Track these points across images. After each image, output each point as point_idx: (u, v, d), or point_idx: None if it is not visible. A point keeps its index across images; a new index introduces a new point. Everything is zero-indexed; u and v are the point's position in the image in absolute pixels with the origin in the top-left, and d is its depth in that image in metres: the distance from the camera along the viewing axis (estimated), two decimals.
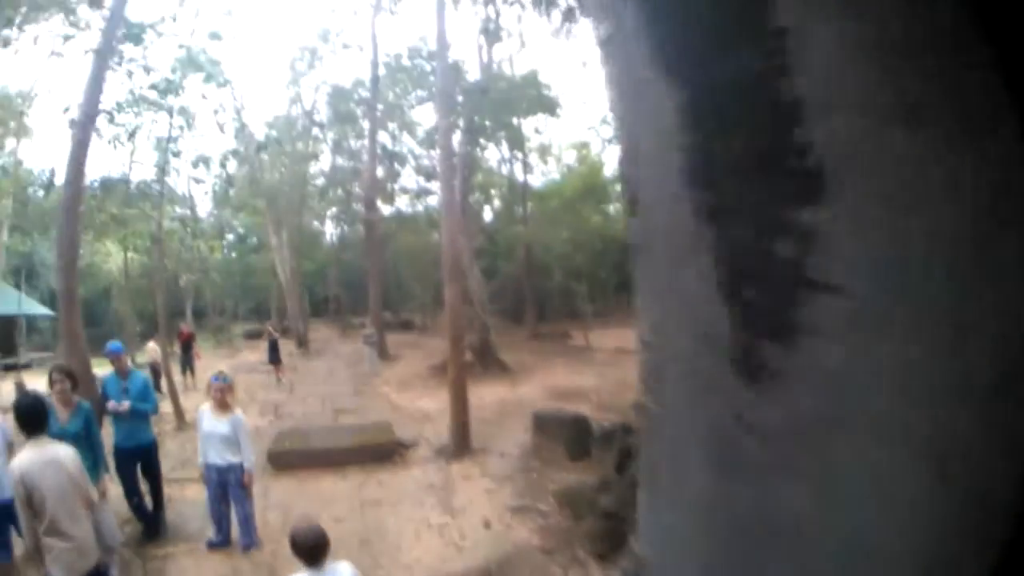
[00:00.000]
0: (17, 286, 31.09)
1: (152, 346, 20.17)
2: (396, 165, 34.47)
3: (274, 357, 21.22)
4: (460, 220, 21.90)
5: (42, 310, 31.52)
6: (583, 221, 30.22)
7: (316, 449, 11.67)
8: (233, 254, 45.91)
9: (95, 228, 25.39)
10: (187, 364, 20.86)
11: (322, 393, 18.47)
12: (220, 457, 7.63)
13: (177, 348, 21.72)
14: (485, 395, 16.57)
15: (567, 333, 28.93)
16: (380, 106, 29.05)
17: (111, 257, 35.70)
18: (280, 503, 9.67)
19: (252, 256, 42.70)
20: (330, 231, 44.20)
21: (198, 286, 36.85)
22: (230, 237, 45.09)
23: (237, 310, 42.40)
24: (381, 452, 11.49)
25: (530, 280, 31.20)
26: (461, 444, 11.55)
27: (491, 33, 22.21)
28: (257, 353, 25.38)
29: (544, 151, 36.88)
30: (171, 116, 16.64)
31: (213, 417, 7.64)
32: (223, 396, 7.75)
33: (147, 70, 15.88)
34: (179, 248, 38.25)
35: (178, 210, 36.38)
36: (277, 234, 32.00)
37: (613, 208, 36.90)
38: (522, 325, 31.34)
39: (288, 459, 11.49)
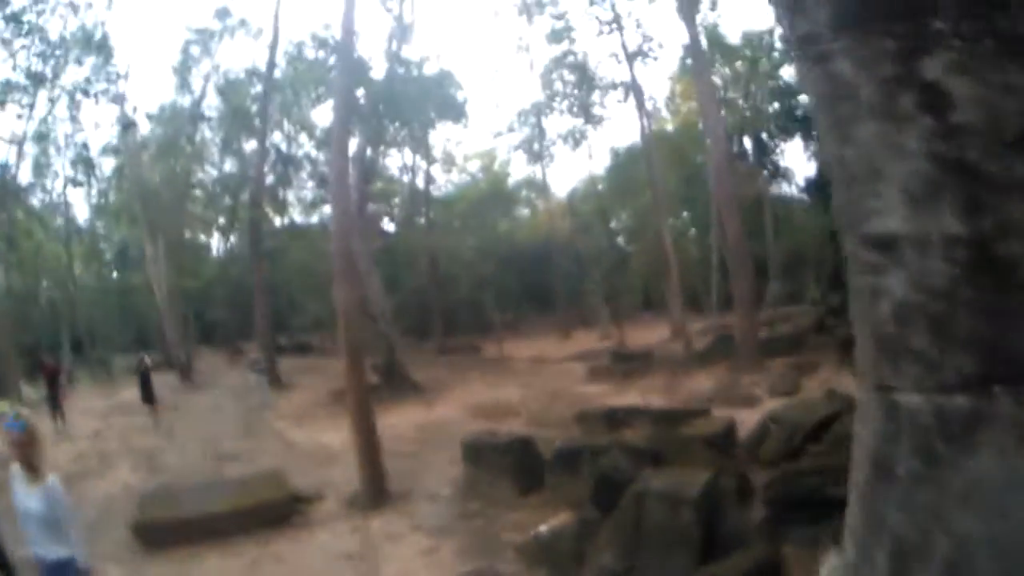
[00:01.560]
0: None
1: None
2: (290, 170, 31.10)
3: (147, 394, 17.57)
4: (355, 223, 19.23)
5: None
6: (490, 226, 28.11)
7: (192, 517, 8.71)
8: (115, 274, 40.41)
9: None
10: (54, 403, 16.74)
11: (205, 435, 15.23)
12: (43, 547, 4.66)
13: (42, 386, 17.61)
14: (397, 422, 13.97)
15: (477, 346, 26.54)
16: (277, 100, 25.63)
17: None
18: None
19: (133, 274, 37.21)
20: (217, 245, 39.38)
21: (72, 311, 31.69)
22: (107, 254, 39.53)
23: (119, 339, 36.84)
24: (275, 512, 8.72)
25: (435, 292, 28.53)
26: (377, 489, 8.98)
27: (403, 27, 19.75)
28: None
29: (448, 160, 34.40)
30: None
31: (24, 485, 4.68)
32: (23, 452, 4.76)
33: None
34: (54, 265, 33.35)
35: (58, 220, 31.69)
36: (153, 243, 27.37)
37: (520, 211, 35.20)
38: (428, 340, 28.68)
39: (157, 532, 8.53)
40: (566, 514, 7.19)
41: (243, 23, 29.41)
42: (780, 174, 32.72)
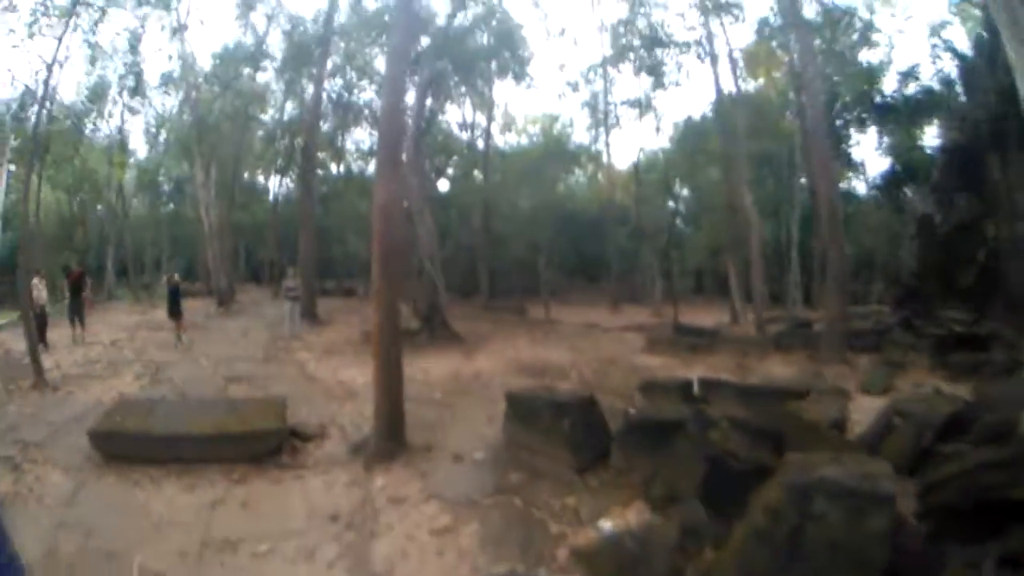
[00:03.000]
0: None
1: (37, 283, 14.34)
2: (349, 117, 29.08)
3: (175, 309, 15.77)
4: (414, 160, 17.10)
5: None
6: (547, 188, 25.60)
7: (161, 433, 6.70)
8: (170, 206, 39.27)
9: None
10: (75, 312, 15.10)
11: (223, 355, 13.33)
12: None
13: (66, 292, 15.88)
14: (432, 367, 11.82)
15: (522, 308, 24.16)
16: (340, 47, 23.48)
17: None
18: (82, 523, 5.16)
19: (187, 207, 35.98)
20: (274, 186, 37.64)
21: (120, 237, 30.40)
22: (165, 186, 38.33)
23: (167, 266, 35.61)
24: (263, 444, 6.60)
25: (486, 249, 26.18)
26: (392, 437, 6.71)
27: None
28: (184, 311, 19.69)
29: (509, 121, 31.90)
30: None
31: None
32: None
33: None
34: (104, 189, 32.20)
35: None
36: (205, 174, 25.71)
37: (578, 179, 32.46)
38: (473, 299, 26.44)
39: (119, 445, 6.71)
40: (640, 507, 4.88)
41: None
42: (852, 167, 29.12)
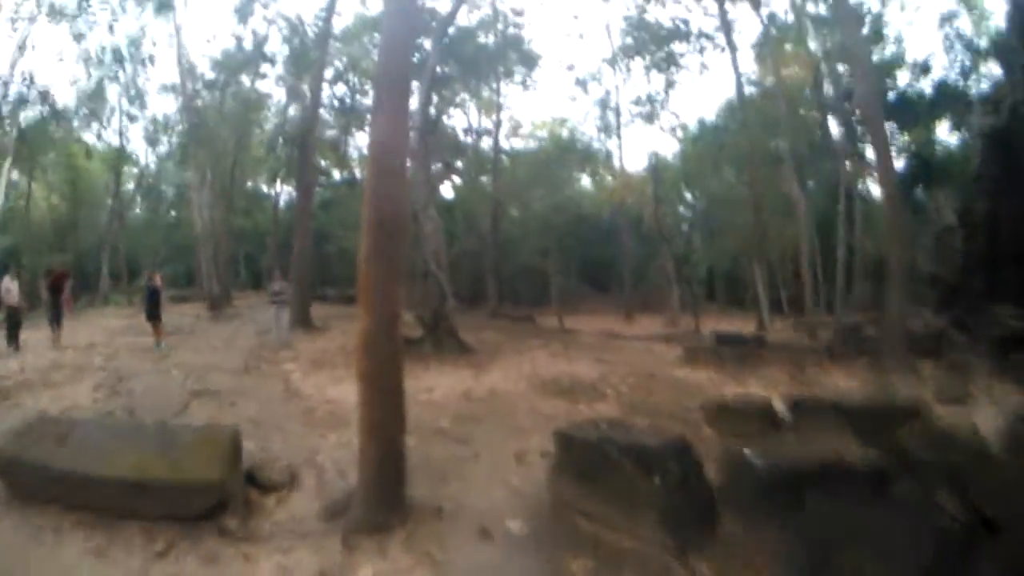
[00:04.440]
0: None
1: (7, 285, 12.78)
2: (351, 122, 27.08)
3: (152, 312, 13.50)
4: (421, 156, 14.98)
5: None
6: (555, 191, 23.44)
7: (65, 470, 4.55)
8: (172, 212, 37.22)
9: None
10: (55, 312, 13.27)
11: (198, 364, 11.03)
12: None
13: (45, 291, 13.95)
14: (437, 384, 9.63)
15: (531, 317, 21.86)
16: (343, 51, 21.54)
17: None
18: None
19: (187, 213, 34.18)
20: (276, 192, 35.63)
21: (116, 241, 28.34)
22: (168, 193, 36.39)
23: (165, 271, 33.45)
24: (197, 500, 4.39)
25: (493, 255, 23.85)
26: (386, 498, 4.38)
27: None
28: (172, 316, 17.47)
29: (516, 125, 29.66)
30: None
31: None
32: None
33: None
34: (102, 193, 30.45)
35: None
36: (200, 178, 23.78)
37: (587, 182, 30.11)
38: (479, 307, 24.12)
39: (22, 478, 4.81)
40: None
41: None
42: (866, 165, 26.73)
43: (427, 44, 15.88)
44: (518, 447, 6.24)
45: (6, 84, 9.93)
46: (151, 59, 18.97)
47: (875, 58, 22.37)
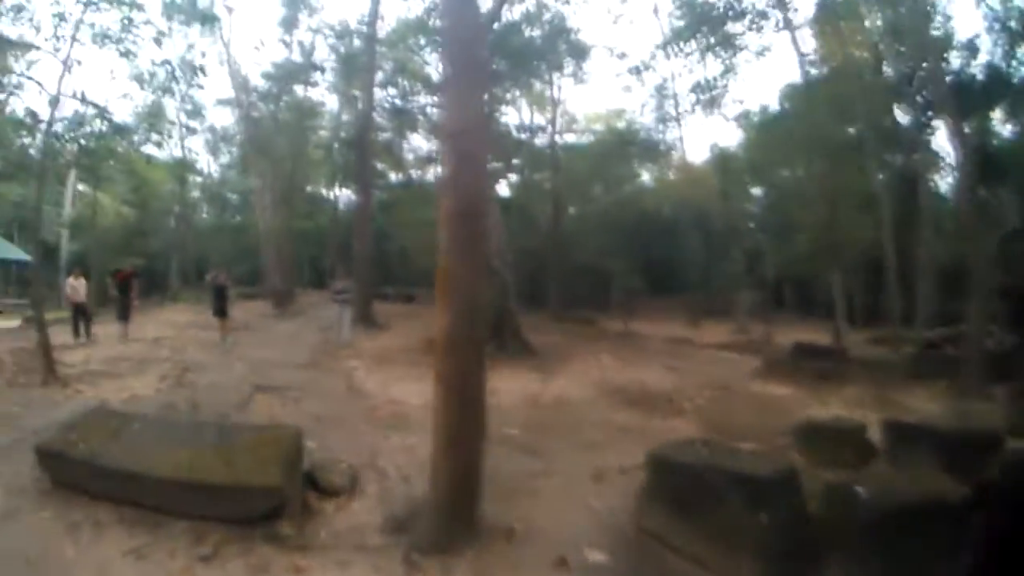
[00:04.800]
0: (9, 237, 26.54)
1: (72, 283, 13.46)
2: (404, 124, 27.12)
3: (219, 308, 13.63)
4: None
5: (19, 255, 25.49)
6: (614, 187, 22.69)
7: (113, 466, 4.33)
8: (237, 217, 38.35)
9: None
10: (123, 309, 13.70)
11: (263, 359, 10.94)
12: None
13: (113, 290, 14.43)
14: (503, 388, 9.03)
15: (591, 320, 21.16)
16: (389, 54, 21.47)
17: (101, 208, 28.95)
18: None
19: (251, 217, 35.38)
20: (334, 196, 36.27)
21: (184, 245, 29.39)
22: (233, 199, 37.60)
23: (233, 272, 34.50)
24: (252, 503, 3.99)
25: (555, 255, 23.18)
26: (457, 514, 3.89)
27: None
28: (238, 312, 17.70)
29: (570, 120, 28.91)
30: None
31: None
32: None
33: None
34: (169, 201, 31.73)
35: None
36: (261, 183, 24.31)
37: (647, 177, 28.74)
38: (538, 308, 23.50)
39: (67, 470, 4.62)
40: None
41: None
42: (934, 158, 24.00)
43: None
44: (594, 463, 5.68)
45: (56, 101, 9.99)
46: (202, 69, 19.35)
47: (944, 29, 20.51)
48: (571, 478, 5.38)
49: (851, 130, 19.99)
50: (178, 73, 15.72)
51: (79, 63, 10.23)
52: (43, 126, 10.47)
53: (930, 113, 21.61)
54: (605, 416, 7.76)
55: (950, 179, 24.34)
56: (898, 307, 20.28)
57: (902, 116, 21.44)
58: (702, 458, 3.86)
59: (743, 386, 10.22)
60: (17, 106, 12.22)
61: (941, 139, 23.39)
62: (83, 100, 11.91)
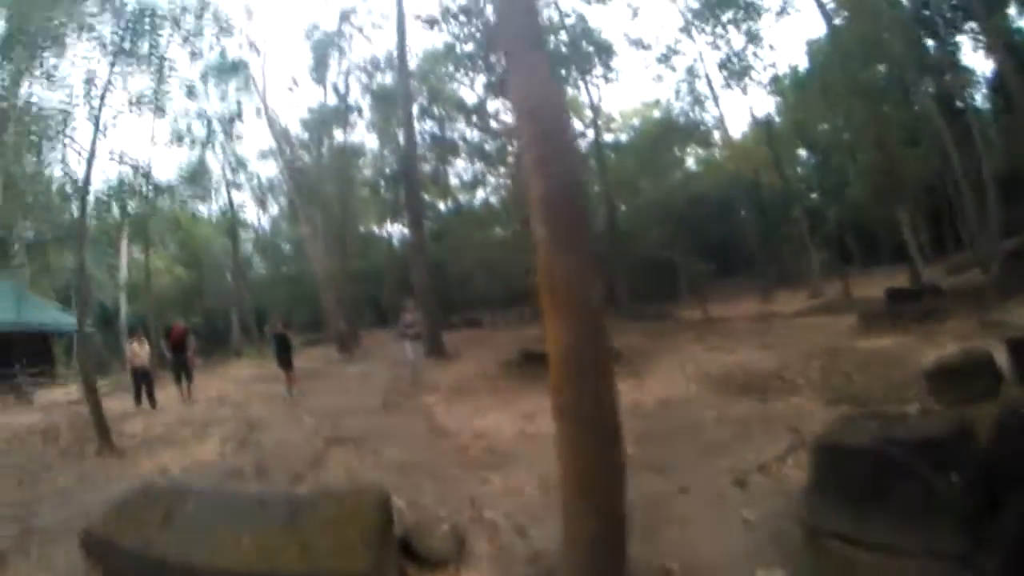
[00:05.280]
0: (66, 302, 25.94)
1: (133, 347, 12.80)
2: (446, 152, 26.74)
3: (283, 358, 13.01)
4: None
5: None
6: (668, 170, 21.64)
7: (163, 559, 3.61)
8: (283, 268, 38.75)
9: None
10: (180, 369, 13.11)
11: (333, 407, 10.25)
12: None
13: (166, 351, 13.72)
14: None
15: (665, 312, 19.96)
16: (422, 87, 21.08)
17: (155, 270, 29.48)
18: None
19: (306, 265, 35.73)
20: (387, 232, 36.25)
21: (240, 298, 29.45)
22: (285, 248, 37.88)
23: (293, 321, 34.80)
24: None
25: (615, 250, 22.02)
26: (603, 566, 2.91)
27: None
28: (302, 360, 17.25)
29: (607, 120, 27.94)
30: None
31: None
32: None
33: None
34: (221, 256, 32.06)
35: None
36: (312, 230, 24.10)
37: (693, 160, 27.44)
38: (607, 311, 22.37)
39: (113, 561, 3.89)
40: None
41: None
42: (966, 76, 22.07)
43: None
44: (728, 467, 4.75)
45: (91, 159, 9.69)
46: (239, 116, 19.48)
47: None
48: (710, 491, 4.43)
49: (882, 68, 18.68)
50: (215, 125, 15.78)
51: (114, 124, 10.06)
52: (80, 185, 10.23)
53: (954, 27, 20.12)
54: (719, 411, 6.73)
55: (984, 91, 23.34)
56: (969, 230, 18.93)
57: (927, 41, 19.82)
58: (875, 435, 3.16)
59: (848, 346, 9.15)
60: (57, 172, 12.34)
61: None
62: (120, 160, 11.78)
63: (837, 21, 18.85)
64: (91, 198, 16.78)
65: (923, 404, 5.32)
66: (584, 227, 3.53)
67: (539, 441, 6.41)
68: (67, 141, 10.39)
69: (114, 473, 6.93)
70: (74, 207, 15.34)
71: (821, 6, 18.22)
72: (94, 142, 9.78)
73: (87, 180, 10.04)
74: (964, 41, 21.44)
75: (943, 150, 19.48)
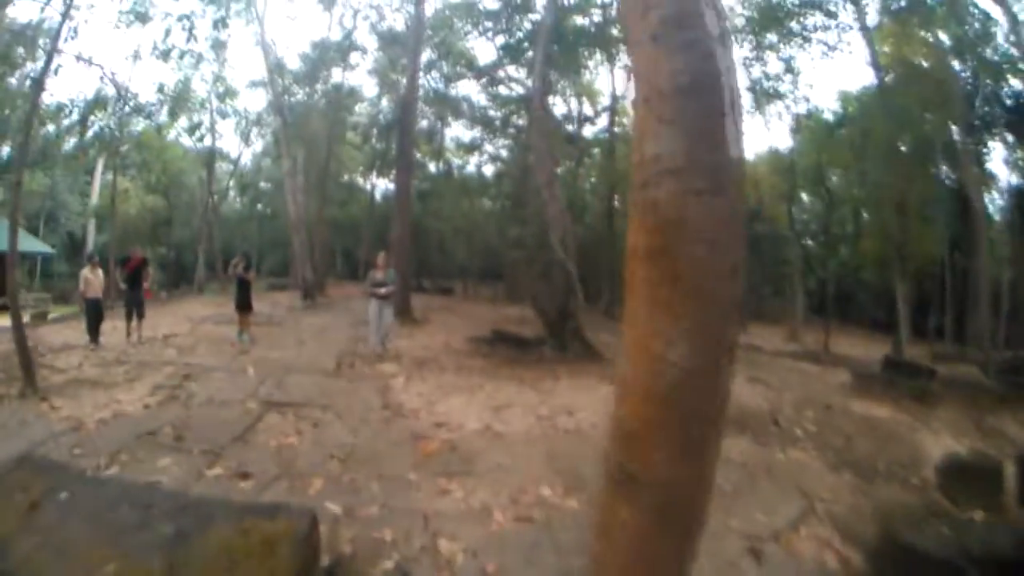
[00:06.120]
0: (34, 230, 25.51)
1: (87, 275, 10.80)
2: (447, 112, 25.37)
3: (241, 301, 11.69)
4: (540, 120, 12.73)
5: (42, 248, 24.59)
6: None
7: None
8: (259, 207, 36.78)
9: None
10: (132, 304, 11.23)
11: (282, 362, 9.17)
12: None
13: (121, 282, 11.75)
14: (575, 402, 7.29)
15: None
16: (433, 40, 19.61)
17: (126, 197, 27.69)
18: None
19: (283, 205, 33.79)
20: (371, 185, 34.23)
21: (210, 234, 27.72)
22: (265, 186, 35.82)
23: (263, 263, 32.96)
24: None
25: (607, 245, 21.15)
26: None
27: None
28: (263, 304, 15.88)
29: (624, 112, 26.86)
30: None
31: None
32: None
33: None
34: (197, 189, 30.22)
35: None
36: (292, 169, 22.43)
37: None
38: (590, 305, 21.51)
39: None
40: None
41: None
42: (988, 178, 22.11)
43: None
44: (738, 527, 3.97)
45: (51, 55, 8.42)
46: (224, 21, 17.53)
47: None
48: (722, 558, 3.50)
49: (914, 139, 18.11)
50: (196, 31, 14.17)
51: (86, 21, 8.86)
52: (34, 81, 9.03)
53: (992, 131, 20.12)
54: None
55: (1000, 201, 23.42)
56: (949, 323, 18.92)
57: (958, 133, 19.29)
58: (950, 542, 3.27)
59: (842, 404, 8.61)
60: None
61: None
62: (88, 63, 10.48)
63: (879, 77, 18.15)
64: (52, 103, 15.26)
65: (929, 496, 5.24)
66: (731, 161, 1.73)
67: (509, 445, 5.48)
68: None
69: (29, 420, 5.78)
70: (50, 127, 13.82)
71: (874, 56, 17.46)
72: (59, 32, 8.51)
73: (43, 74, 8.74)
74: (997, 147, 21.47)
75: (955, 238, 19.42)
